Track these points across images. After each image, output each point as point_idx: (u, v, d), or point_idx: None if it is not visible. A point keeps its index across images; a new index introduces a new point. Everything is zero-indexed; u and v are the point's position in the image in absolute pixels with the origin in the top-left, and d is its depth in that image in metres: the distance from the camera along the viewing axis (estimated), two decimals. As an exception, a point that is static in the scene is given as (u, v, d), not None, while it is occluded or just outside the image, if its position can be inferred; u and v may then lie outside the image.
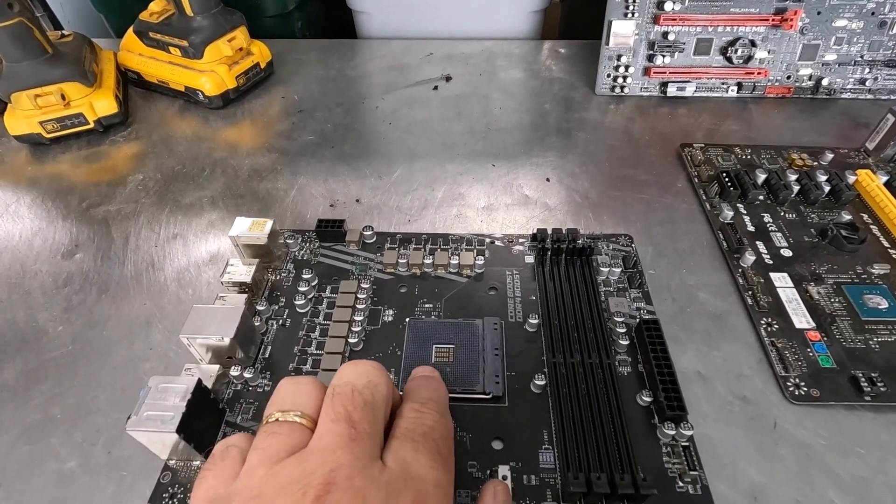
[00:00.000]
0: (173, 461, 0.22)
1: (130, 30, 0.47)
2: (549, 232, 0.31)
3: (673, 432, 0.23)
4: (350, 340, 0.26)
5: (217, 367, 0.25)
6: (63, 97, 0.40)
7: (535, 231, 0.31)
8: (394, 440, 0.17)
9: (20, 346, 0.28)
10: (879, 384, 0.24)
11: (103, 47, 0.48)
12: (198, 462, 0.22)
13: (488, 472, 0.22)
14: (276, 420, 0.17)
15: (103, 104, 0.41)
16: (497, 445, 0.23)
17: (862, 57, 0.42)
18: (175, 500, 0.21)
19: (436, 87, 0.47)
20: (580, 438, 0.22)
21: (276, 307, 0.28)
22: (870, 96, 0.44)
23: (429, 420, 0.18)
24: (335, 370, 0.25)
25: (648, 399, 0.24)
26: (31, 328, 0.29)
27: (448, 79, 0.49)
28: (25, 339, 0.28)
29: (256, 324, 0.27)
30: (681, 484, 0.21)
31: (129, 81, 0.48)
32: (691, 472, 0.22)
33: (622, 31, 0.42)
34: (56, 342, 0.28)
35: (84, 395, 0.26)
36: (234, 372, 0.25)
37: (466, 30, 0.55)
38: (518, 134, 0.42)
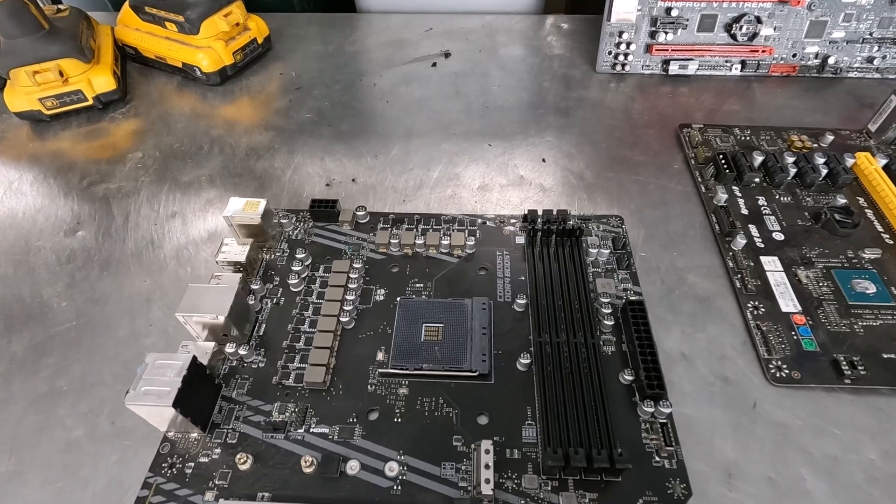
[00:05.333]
0: (172, 433, 0.23)
1: (126, 4, 0.46)
2: (540, 213, 0.31)
3: (652, 409, 0.23)
4: (342, 319, 0.27)
5: (213, 343, 0.25)
6: (61, 74, 0.40)
7: (526, 212, 0.31)
8: None
9: (27, 320, 0.29)
10: (860, 368, 0.25)
11: (100, 21, 0.48)
12: (195, 434, 0.23)
13: (472, 446, 0.23)
14: None
15: (101, 81, 0.41)
16: (482, 420, 0.24)
17: (871, 34, 0.41)
18: (174, 469, 0.23)
19: (434, 64, 0.47)
20: (562, 415, 0.23)
21: (271, 286, 0.29)
22: (877, 75, 0.43)
23: None
24: (327, 348, 0.26)
25: (630, 378, 0.25)
26: (36, 303, 0.30)
27: (447, 55, 0.48)
28: (31, 313, 0.29)
29: (251, 302, 0.28)
30: (657, 459, 0.22)
31: (127, 57, 0.48)
32: (667, 448, 0.22)
33: (624, 6, 0.41)
34: (61, 317, 0.29)
35: (89, 368, 0.27)
36: (230, 349, 0.26)
37: (467, 3, 0.54)
38: (516, 113, 0.42)
